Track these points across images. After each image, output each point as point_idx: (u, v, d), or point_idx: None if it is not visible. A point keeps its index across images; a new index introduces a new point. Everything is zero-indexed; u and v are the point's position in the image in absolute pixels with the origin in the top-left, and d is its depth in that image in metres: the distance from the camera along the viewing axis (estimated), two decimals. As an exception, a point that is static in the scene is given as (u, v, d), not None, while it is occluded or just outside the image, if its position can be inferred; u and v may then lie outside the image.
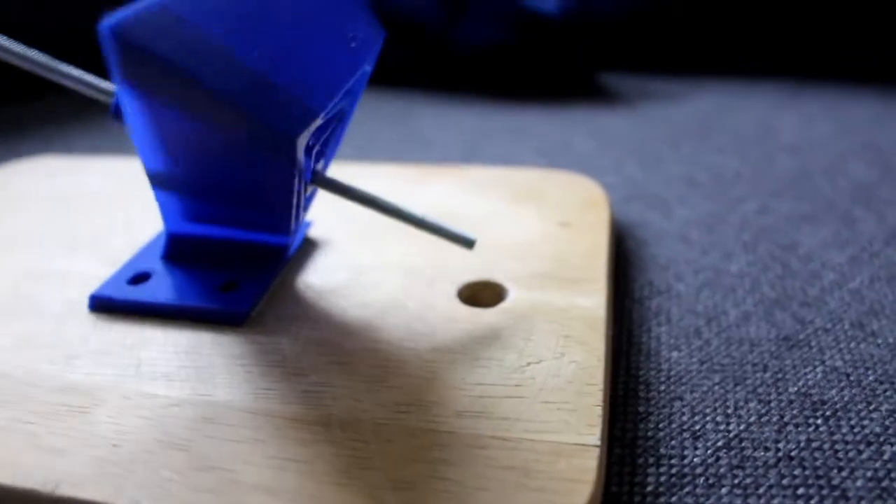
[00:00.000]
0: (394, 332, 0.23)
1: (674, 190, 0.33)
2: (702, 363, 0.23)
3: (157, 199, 0.25)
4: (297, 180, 0.21)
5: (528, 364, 0.21)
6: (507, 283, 0.25)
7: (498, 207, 0.30)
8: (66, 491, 0.18)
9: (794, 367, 0.23)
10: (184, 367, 0.22)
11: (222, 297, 0.24)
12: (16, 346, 0.23)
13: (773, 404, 0.21)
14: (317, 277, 0.26)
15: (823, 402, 0.21)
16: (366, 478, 0.18)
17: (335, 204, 0.31)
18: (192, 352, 0.23)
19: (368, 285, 0.25)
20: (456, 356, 0.22)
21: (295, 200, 0.23)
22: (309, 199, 0.25)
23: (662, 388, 0.22)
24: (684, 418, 0.21)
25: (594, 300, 0.24)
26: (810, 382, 0.22)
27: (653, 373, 0.23)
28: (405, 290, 0.25)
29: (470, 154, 0.39)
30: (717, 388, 0.22)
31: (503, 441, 0.19)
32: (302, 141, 0.20)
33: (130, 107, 0.21)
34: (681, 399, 0.22)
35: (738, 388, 0.22)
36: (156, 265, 0.26)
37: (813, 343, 0.24)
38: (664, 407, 0.22)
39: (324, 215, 0.30)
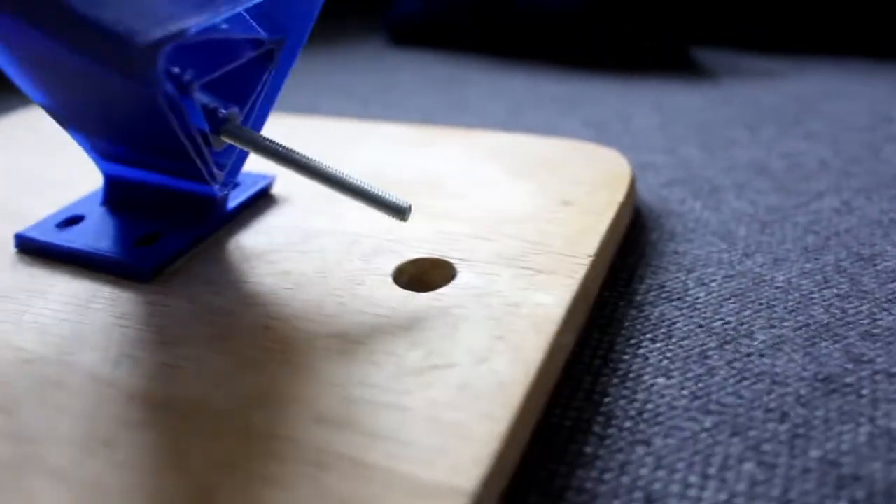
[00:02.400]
0: (299, 310, 0.18)
1: (734, 177, 0.27)
2: (694, 399, 0.17)
3: (72, 136, 0.22)
4: (168, 110, 0.17)
5: (434, 367, 0.16)
6: (460, 264, 0.20)
7: (496, 177, 0.24)
8: None
9: (826, 421, 0.16)
10: (65, 321, 0.19)
11: (135, 250, 0.21)
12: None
13: (779, 471, 0.15)
14: (252, 238, 0.22)
15: (856, 479, 0.15)
16: (169, 481, 0.14)
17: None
18: (84, 305, 0.20)
19: (302, 252, 0.21)
20: (352, 346, 0.17)
21: (188, 142, 0.19)
22: (224, 153, 0.21)
23: (628, 424, 0.16)
24: (643, 472, 0.15)
25: (556, 297, 0.18)
26: (844, 447, 0.16)
27: (622, 402, 0.17)
28: (340, 261, 0.20)
29: (508, 121, 0.33)
30: (704, 435, 0.16)
31: (355, 464, 0.14)
32: (154, 51, 0.16)
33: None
34: (647, 444, 0.16)
35: (736, 440, 0.16)
36: (94, 210, 0.23)
37: (865, 391, 0.17)
38: (620, 451, 0.16)
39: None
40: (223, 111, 0.19)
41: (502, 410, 0.15)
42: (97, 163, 0.22)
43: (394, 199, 0.18)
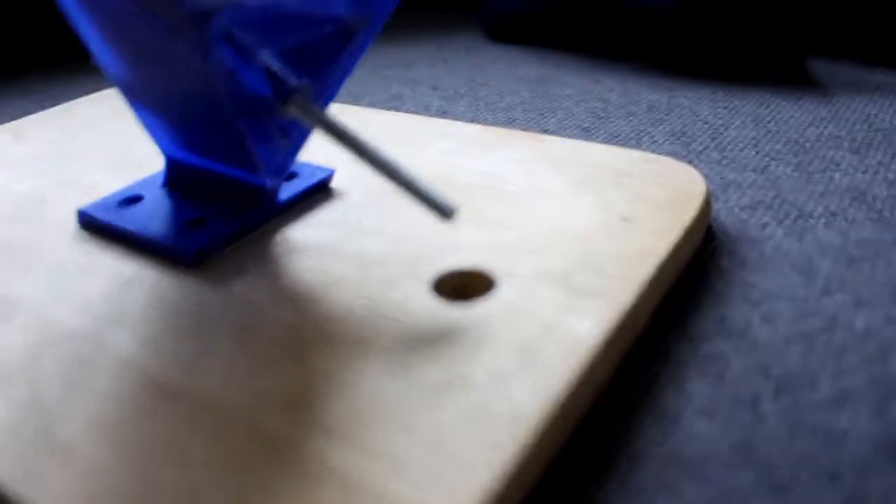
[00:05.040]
0: (328, 310, 0.18)
1: (828, 204, 0.24)
2: (735, 451, 0.15)
3: (138, 116, 0.22)
4: (223, 82, 0.17)
5: (449, 386, 0.15)
6: (502, 278, 0.19)
7: (556, 186, 0.23)
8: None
9: (886, 493, 0.14)
10: (106, 301, 0.19)
11: (182, 234, 0.21)
12: (-4, 251, 0.22)
13: (820, 542, 0.13)
14: (300, 232, 0.22)
15: (912, 564, 0.13)
16: (164, 474, 0.14)
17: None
18: (127, 286, 0.20)
19: (344, 252, 0.21)
20: (373, 355, 0.16)
21: (241, 118, 0.19)
22: (283, 132, 0.21)
23: (655, 467, 0.15)
24: (663, 523, 0.14)
25: (593, 323, 0.17)
26: (904, 525, 0.14)
27: (652, 444, 0.16)
28: (380, 262, 0.20)
29: (592, 127, 0.32)
30: (740, 491, 0.15)
31: (346, 482, 0.13)
32: (205, 17, 0.16)
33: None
34: (672, 491, 0.15)
35: (774, 500, 0.14)
36: (154, 191, 0.24)
37: (940, 463, 0.15)
38: (641, 492, 0.15)
39: (356, 165, 0.25)
40: (294, 81, 0.19)
41: (510, 441, 0.14)
42: (159, 145, 0.23)
43: (441, 200, 0.18)
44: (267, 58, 0.18)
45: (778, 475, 0.15)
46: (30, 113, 0.40)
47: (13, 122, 0.32)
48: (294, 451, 0.14)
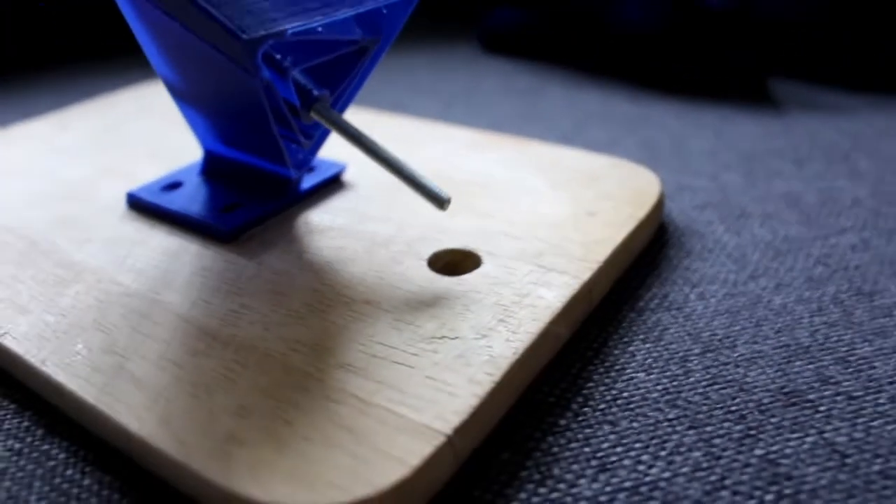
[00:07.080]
0: (344, 279, 0.22)
1: (765, 206, 0.28)
2: (664, 394, 0.20)
3: (183, 113, 0.26)
4: (262, 92, 0.21)
5: (442, 337, 0.19)
6: (486, 257, 0.23)
7: (538, 185, 0.27)
8: (4, 340, 0.20)
9: (777, 428, 0.18)
10: (157, 267, 0.23)
11: (219, 215, 0.25)
12: (54, 223, 0.26)
13: (722, 461, 0.18)
14: (318, 216, 0.26)
15: (789, 478, 0.17)
16: (218, 398, 0.18)
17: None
18: (174, 256, 0.24)
19: (356, 233, 0.25)
20: (381, 313, 0.20)
21: (274, 123, 0.23)
22: (306, 133, 0.25)
23: (601, 406, 0.19)
24: (604, 446, 0.18)
25: (558, 293, 0.21)
26: (788, 451, 0.18)
27: (601, 389, 0.20)
28: (387, 243, 0.24)
29: (571, 134, 0.36)
30: (664, 424, 0.19)
31: (360, 402, 0.17)
32: (255, 45, 0.20)
33: (126, 10, 0.22)
34: (613, 424, 0.19)
35: (691, 432, 0.18)
36: (193, 178, 0.28)
37: (823, 407, 0.19)
38: (588, 427, 0.19)
39: (368, 163, 0.30)
40: (316, 92, 0.23)
41: (486, 377, 0.18)
42: (199, 138, 0.27)
43: (437, 190, 0.22)
44: (296, 74, 0.22)
45: (696, 414, 0.19)
46: (72, 103, 0.43)
47: (58, 113, 0.36)
48: (319, 382, 0.18)
